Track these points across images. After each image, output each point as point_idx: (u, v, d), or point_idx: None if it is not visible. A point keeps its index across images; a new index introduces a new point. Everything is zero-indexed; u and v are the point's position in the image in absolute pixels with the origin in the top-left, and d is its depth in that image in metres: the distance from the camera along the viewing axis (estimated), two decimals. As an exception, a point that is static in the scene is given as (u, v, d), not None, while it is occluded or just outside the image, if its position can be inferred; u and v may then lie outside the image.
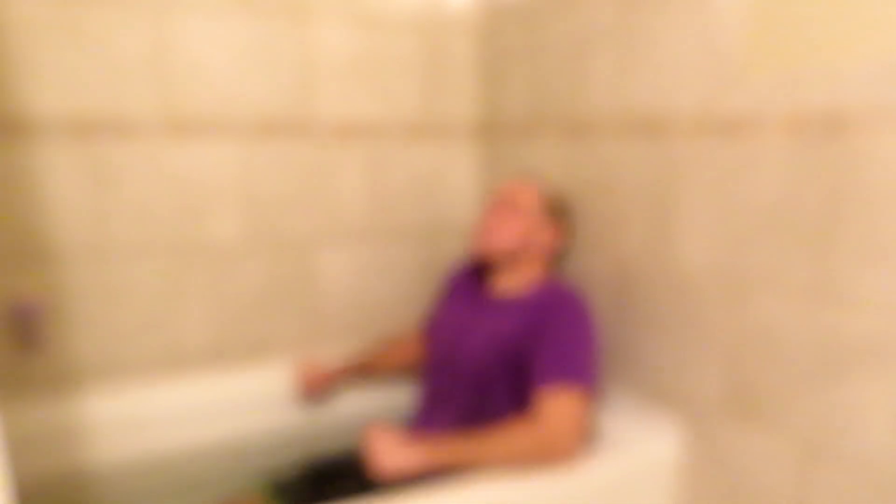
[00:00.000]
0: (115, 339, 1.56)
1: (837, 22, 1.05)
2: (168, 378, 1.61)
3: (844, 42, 1.04)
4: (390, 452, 1.24)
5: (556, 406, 1.23)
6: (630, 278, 1.45)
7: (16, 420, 1.44)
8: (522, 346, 1.33)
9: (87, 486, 1.50)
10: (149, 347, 1.60)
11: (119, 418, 1.52)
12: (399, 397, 1.77)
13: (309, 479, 1.43)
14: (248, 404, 1.64)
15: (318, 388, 1.65)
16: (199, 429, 1.59)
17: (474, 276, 1.58)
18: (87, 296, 1.52)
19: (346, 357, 1.71)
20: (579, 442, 1.24)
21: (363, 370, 1.71)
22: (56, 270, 1.49)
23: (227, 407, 1.62)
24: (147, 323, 1.59)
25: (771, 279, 1.15)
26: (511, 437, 1.21)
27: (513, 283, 1.46)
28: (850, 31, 1.03)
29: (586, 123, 1.53)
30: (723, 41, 1.20)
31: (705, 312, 1.28)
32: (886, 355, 1.00)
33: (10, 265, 1.45)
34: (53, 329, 1.50)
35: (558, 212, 1.50)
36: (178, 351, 1.63)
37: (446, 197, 1.88)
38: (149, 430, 1.54)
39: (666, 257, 1.35)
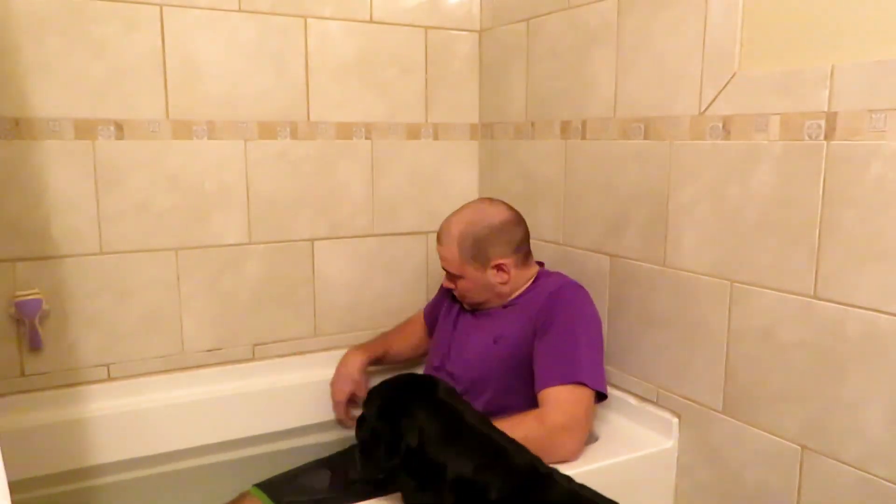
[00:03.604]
0: (115, 339, 1.56)
1: (831, 24, 1.05)
2: (168, 378, 1.61)
3: (838, 44, 1.04)
4: None
5: (561, 404, 1.23)
6: (630, 278, 1.45)
7: (16, 420, 1.43)
8: (525, 346, 1.33)
9: (87, 485, 1.50)
10: (149, 347, 1.60)
11: (119, 418, 1.51)
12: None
13: (308, 479, 1.42)
14: (248, 404, 1.64)
15: (356, 400, 1.62)
16: (199, 429, 1.59)
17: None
18: (87, 296, 1.52)
19: (362, 351, 1.66)
20: (583, 440, 1.25)
21: (379, 359, 1.69)
22: (56, 270, 1.49)
23: (227, 407, 1.62)
24: (147, 322, 1.59)
25: (768, 279, 1.16)
26: (515, 434, 1.21)
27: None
28: (844, 33, 1.04)
29: (585, 124, 1.54)
30: (719, 43, 1.21)
31: (704, 312, 1.28)
32: (882, 355, 1.00)
33: (10, 264, 1.44)
34: (53, 329, 1.50)
35: (480, 249, 1.37)
36: (178, 351, 1.63)
37: (446, 197, 1.88)
38: (149, 430, 1.54)
39: (665, 257, 1.36)
